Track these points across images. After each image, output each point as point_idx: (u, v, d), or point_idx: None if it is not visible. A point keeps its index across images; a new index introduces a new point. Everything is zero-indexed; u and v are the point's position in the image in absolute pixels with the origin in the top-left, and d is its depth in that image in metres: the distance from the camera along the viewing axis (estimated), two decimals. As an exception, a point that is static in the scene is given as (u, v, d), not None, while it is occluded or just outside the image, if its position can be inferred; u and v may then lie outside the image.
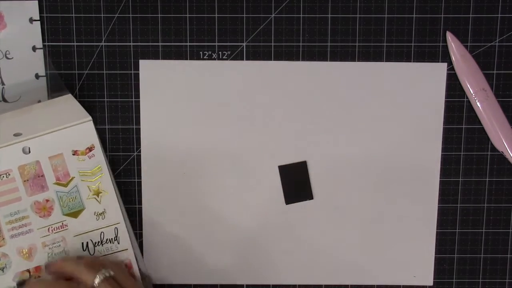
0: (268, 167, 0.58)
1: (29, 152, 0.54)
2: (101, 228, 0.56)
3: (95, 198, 0.56)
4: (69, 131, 0.54)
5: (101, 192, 0.56)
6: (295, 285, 0.60)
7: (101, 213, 0.56)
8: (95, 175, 0.56)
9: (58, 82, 0.56)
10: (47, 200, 0.55)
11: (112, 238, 0.56)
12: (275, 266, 0.60)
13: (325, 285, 0.60)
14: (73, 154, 0.55)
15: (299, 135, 0.58)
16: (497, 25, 0.57)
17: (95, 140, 0.55)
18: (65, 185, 0.55)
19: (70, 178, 0.55)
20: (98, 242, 0.56)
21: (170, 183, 0.58)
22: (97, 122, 0.57)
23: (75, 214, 0.56)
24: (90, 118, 0.55)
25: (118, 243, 0.57)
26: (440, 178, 0.59)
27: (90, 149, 0.55)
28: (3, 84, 0.57)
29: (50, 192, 0.55)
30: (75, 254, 0.56)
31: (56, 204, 0.55)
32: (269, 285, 0.60)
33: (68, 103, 0.55)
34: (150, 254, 0.59)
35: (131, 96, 0.57)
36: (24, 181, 0.54)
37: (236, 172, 0.58)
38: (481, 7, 0.57)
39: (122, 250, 0.57)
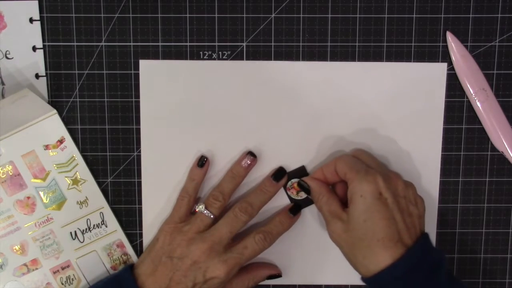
0: (268, 167, 0.58)
1: (1, 153, 0.55)
2: (86, 215, 0.57)
3: (75, 187, 0.56)
4: (37, 127, 0.55)
5: (79, 181, 0.57)
6: (295, 285, 0.60)
7: (84, 201, 0.57)
8: (71, 165, 0.56)
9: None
10: (28, 197, 0.56)
11: (99, 223, 0.58)
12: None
13: (325, 285, 0.60)
14: (45, 149, 0.56)
15: (300, 134, 0.58)
16: (497, 25, 0.57)
17: (64, 132, 0.56)
18: (43, 180, 0.56)
19: (47, 172, 0.56)
20: (86, 229, 0.57)
21: (170, 183, 0.58)
22: (98, 122, 0.57)
23: (58, 207, 0.57)
24: (55, 111, 0.55)
25: (106, 227, 0.58)
26: (440, 178, 0.59)
27: (61, 141, 0.56)
28: (3, 84, 0.57)
29: (29, 189, 0.56)
30: (65, 244, 0.57)
31: (38, 199, 0.56)
32: (269, 285, 0.60)
33: (28, 98, 0.55)
34: (150, 254, 0.59)
35: (131, 96, 0.57)
36: (2, 182, 0.55)
37: (236, 172, 0.58)
38: (481, 7, 0.57)
39: (111, 233, 0.58)
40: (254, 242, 0.54)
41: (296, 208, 0.57)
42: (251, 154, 0.57)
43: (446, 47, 0.57)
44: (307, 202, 0.58)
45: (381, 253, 0.49)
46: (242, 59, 0.57)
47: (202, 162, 0.56)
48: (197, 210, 0.56)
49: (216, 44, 0.57)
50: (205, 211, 0.55)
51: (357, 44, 0.57)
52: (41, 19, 0.56)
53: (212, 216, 0.55)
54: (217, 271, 0.53)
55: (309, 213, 0.59)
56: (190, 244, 0.54)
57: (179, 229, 0.55)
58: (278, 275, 0.58)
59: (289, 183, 0.58)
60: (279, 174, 0.57)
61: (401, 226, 0.50)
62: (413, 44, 0.57)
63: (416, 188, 0.53)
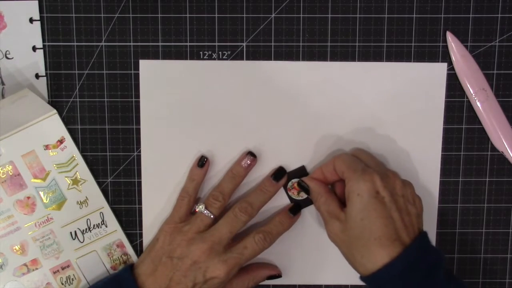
0: (268, 167, 0.58)
1: (1, 153, 0.54)
2: (86, 215, 0.57)
3: (75, 188, 0.56)
4: (37, 127, 0.55)
5: (79, 181, 0.57)
6: (295, 285, 0.60)
7: (84, 201, 0.57)
8: (71, 165, 0.56)
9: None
10: (28, 197, 0.56)
11: (99, 223, 0.58)
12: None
13: (325, 285, 0.60)
14: (45, 149, 0.56)
15: (300, 134, 0.58)
16: (497, 25, 0.57)
17: (64, 132, 0.56)
18: (43, 180, 0.56)
19: (47, 172, 0.56)
20: (86, 229, 0.57)
21: (170, 183, 0.58)
22: (98, 122, 0.57)
23: (58, 207, 0.57)
24: (55, 111, 0.55)
25: (106, 227, 0.58)
26: (440, 178, 0.59)
27: (61, 141, 0.56)
28: (3, 84, 0.57)
29: (29, 189, 0.56)
30: (65, 244, 0.57)
31: (38, 199, 0.56)
32: (269, 285, 0.60)
33: (28, 98, 0.55)
34: (150, 254, 0.59)
35: (131, 96, 0.57)
36: (2, 182, 0.55)
37: (236, 172, 0.58)
38: (481, 7, 0.57)
39: (111, 233, 0.58)
40: (254, 242, 0.54)
41: (296, 208, 0.57)
42: (251, 154, 0.57)
43: (446, 47, 0.57)
44: (308, 202, 0.58)
45: (379, 251, 0.49)
46: (242, 59, 0.57)
47: (202, 162, 0.56)
48: (197, 210, 0.56)
49: (216, 44, 0.57)
50: (205, 211, 0.55)
51: (357, 44, 0.57)
52: (41, 19, 0.56)
53: (212, 216, 0.55)
54: (217, 271, 0.53)
55: (309, 213, 0.59)
56: (190, 244, 0.54)
57: (179, 229, 0.55)
58: (278, 276, 0.58)
59: (290, 183, 0.58)
60: (279, 174, 0.57)
61: (399, 225, 0.50)
62: (413, 44, 0.57)
63: (414, 187, 0.53)
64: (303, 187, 0.56)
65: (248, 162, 0.56)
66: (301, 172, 0.58)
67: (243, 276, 0.56)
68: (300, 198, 0.58)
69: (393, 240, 0.49)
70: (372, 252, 0.49)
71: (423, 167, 0.58)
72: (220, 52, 0.57)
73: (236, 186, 0.57)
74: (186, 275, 0.53)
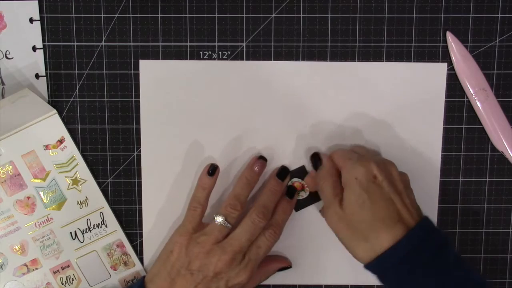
0: (269, 167, 0.58)
1: (1, 153, 0.55)
2: (86, 215, 0.57)
3: (75, 188, 0.56)
4: (37, 127, 0.55)
5: (79, 181, 0.57)
6: (296, 285, 0.60)
7: (84, 201, 0.57)
8: (71, 165, 0.56)
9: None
10: (28, 197, 0.56)
11: (99, 223, 0.58)
12: (275, 266, 0.60)
13: (325, 285, 0.60)
14: (45, 149, 0.56)
15: (300, 134, 0.58)
16: (497, 25, 0.57)
17: (64, 132, 0.56)
18: (43, 180, 0.56)
19: (47, 172, 0.56)
20: (86, 229, 0.57)
21: (170, 183, 0.58)
22: (98, 122, 0.57)
23: (58, 207, 0.57)
24: (55, 111, 0.55)
25: (106, 227, 0.58)
26: (440, 178, 0.59)
27: (61, 141, 0.56)
28: (3, 84, 0.57)
29: (29, 189, 0.56)
30: (65, 244, 0.57)
31: (38, 199, 0.56)
32: (269, 285, 0.60)
33: (28, 98, 0.55)
34: (150, 254, 0.59)
35: (131, 96, 0.57)
36: (2, 182, 0.55)
37: (235, 173, 0.58)
38: (481, 7, 0.57)
39: (111, 233, 0.58)
40: (266, 239, 0.54)
41: (283, 172, 0.57)
42: (261, 158, 0.56)
43: (446, 47, 0.57)
44: (308, 202, 0.58)
45: (383, 233, 0.49)
46: (242, 59, 0.57)
47: (213, 170, 0.56)
48: (216, 222, 0.54)
49: (216, 44, 0.57)
50: (224, 223, 0.54)
51: (357, 44, 0.57)
52: (41, 19, 0.56)
53: (230, 226, 0.54)
54: (239, 278, 0.53)
55: (309, 214, 0.59)
56: (210, 256, 0.53)
57: (195, 240, 0.54)
58: (289, 267, 0.58)
59: (289, 183, 0.58)
60: (283, 172, 0.57)
61: (400, 206, 0.50)
62: (413, 44, 0.57)
63: (415, 187, 0.53)
64: (315, 160, 0.56)
65: (259, 166, 0.56)
66: (301, 172, 0.58)
67: (255, 272, 0.56)
68: (300, 197, 0.58)
69: (396, 221, 0.49)
70: (378, 234, 0.49)
71: (423, 167, 0.58)
72: (220, 52, 0.57)
73: (250, 192, 0.56)
74: (209, 287, 0.53)
